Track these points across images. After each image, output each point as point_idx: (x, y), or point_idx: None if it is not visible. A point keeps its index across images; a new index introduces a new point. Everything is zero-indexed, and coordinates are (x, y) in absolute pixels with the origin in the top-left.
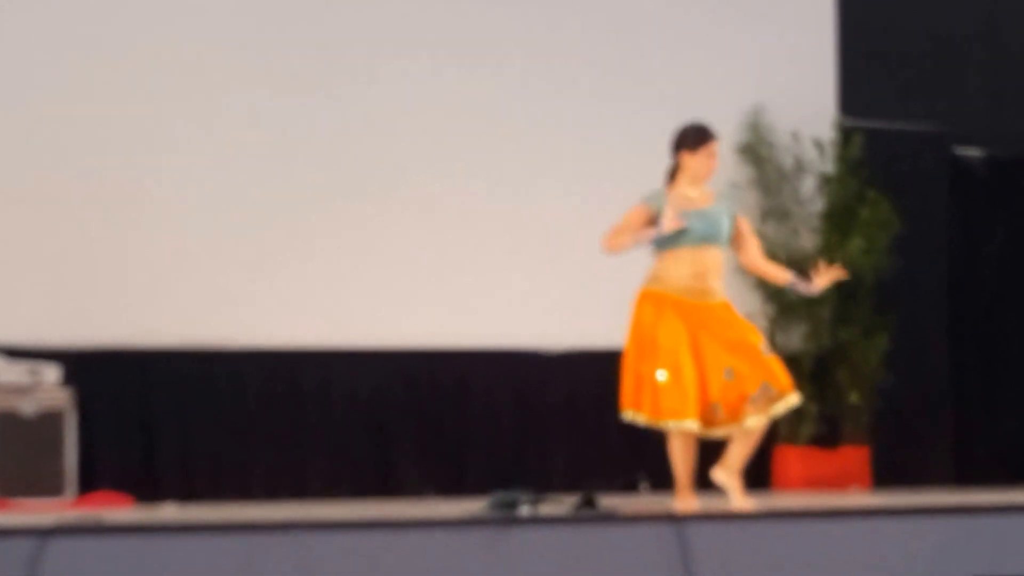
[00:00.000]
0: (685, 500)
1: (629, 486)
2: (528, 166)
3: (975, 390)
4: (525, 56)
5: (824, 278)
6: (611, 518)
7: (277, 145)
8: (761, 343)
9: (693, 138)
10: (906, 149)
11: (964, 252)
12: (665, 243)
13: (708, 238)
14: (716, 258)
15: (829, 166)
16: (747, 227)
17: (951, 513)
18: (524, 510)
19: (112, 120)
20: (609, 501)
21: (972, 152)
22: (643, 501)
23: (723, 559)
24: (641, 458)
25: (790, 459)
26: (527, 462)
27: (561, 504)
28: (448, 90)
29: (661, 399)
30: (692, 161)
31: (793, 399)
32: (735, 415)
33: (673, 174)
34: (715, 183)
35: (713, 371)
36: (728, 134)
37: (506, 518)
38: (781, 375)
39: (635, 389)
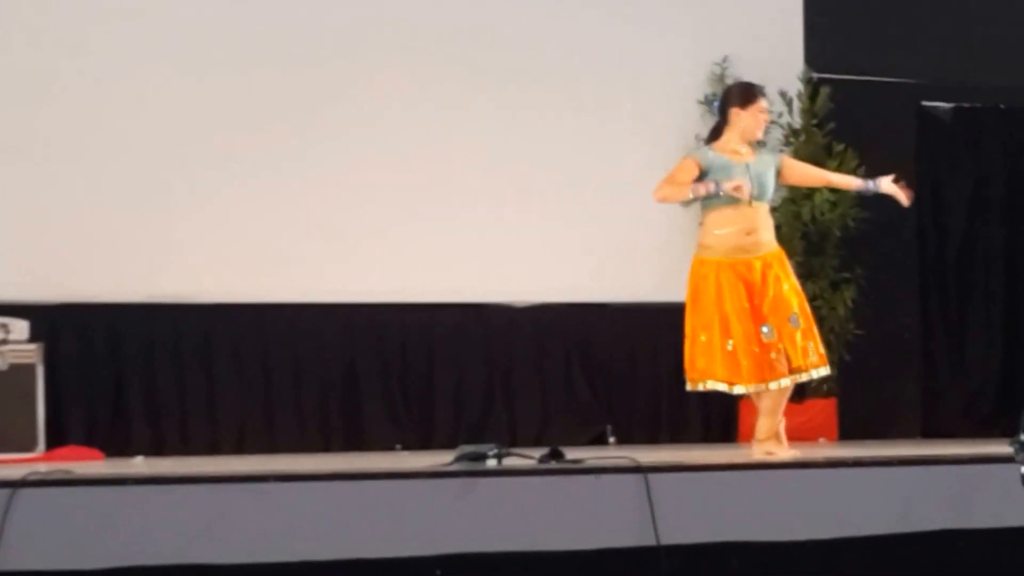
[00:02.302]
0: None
1: (597, 439)
2: (499, 119)
3: (943, 342)
4: (495, 9)
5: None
6: (577, 469)
7: (243, 97)
8: (792, 312)
9: (743, 95)
10: (873, 102)
11: (932, 205)
12: (711, 202)
13: (755, 196)
14: (764, 212)
15: (796, 119)
16: (793, 163)
17: (917, 464)
18: (491, 463)
19: (78, 77)
20: (576, 454)
21: (939, 104)
22: (610, 453)
23: (689, 510)
24: (609, 411)
25: (757, 412)
26: (495, 415)
27: (528, 457)
28: (425, 41)
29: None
30: (742, 118)
31: (784, 381)
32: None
33: (717, 131)
34: (683, 136)
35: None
36: (694, 87)
37: (473, 470)
38: (795, 352)
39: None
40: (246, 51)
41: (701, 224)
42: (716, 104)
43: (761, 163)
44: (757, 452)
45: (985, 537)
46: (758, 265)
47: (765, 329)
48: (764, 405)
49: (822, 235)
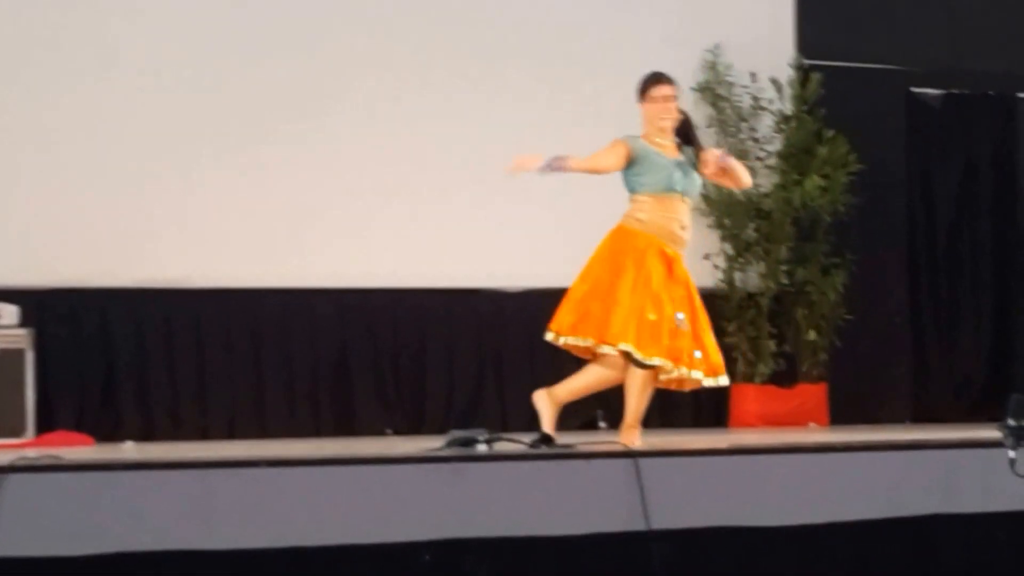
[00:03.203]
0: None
1: (587, 424)
2: (488, 105)
3: (932, 327)
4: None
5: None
6: (567, 454)
7: (234, 85)
8: (677, 315)
9: (643, 85)
10: (864, 88)
11: (922, 190)
12: (653, 187)
13: (686, 191)
14: (689, 211)
15: (787, 106)
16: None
17: (906, 449)
18: (481, 448)
19: (70, 65)
20: (567, 438)
21: (929, 91)
22: (600, 438)
23: (679, 495)
24: (599, 397)
25: (748, 397)
26: (485, 401)
27: (518, 442)
28: (417, 29)
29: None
30: (647, 109)
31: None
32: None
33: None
34: None
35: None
36: (686, 74)
37: (464, 455)
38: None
39: (604, 320)
40: (237, 41)
41: (636, 201)
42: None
43: (687, 159)
44: (633, 439)
45: (974, 521)
46: (673, 261)
47: (680, 316)
48: (646, 389)
49: (813, 221)
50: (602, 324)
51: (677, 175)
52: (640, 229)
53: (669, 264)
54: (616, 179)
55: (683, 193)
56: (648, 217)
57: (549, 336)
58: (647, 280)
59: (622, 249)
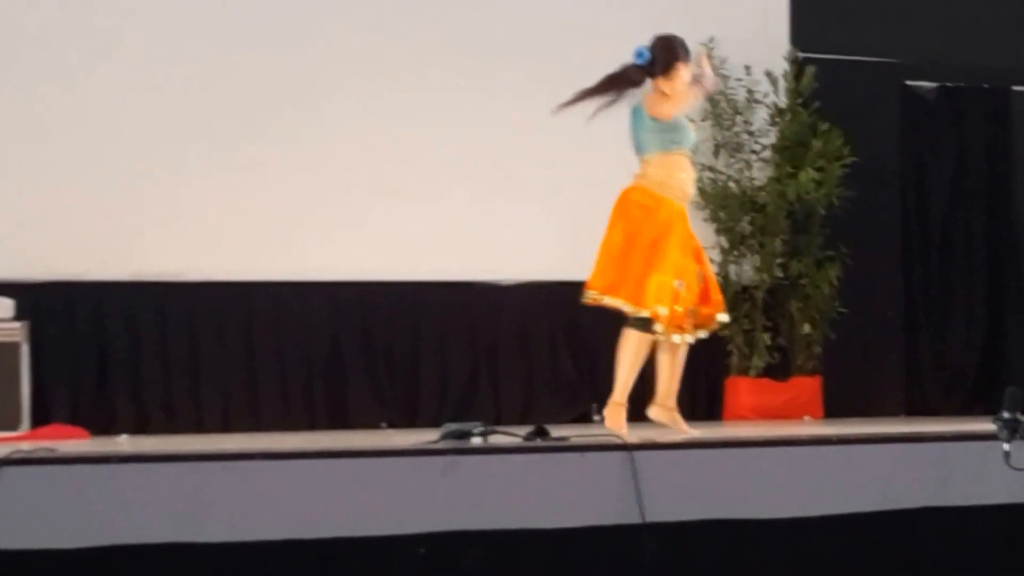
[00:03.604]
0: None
1: (582, 417)
2: (480, 99)
3: (926, 320)
4: None
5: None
6: (562, 447)
7: (228, 79)
8: (699, 269)
9: (683, 50)
10: (858, 81)
11: (916, 183)
12: (679, 144)
13: (693, 146)
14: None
15: (781, 99)
16: None
17: (900, 442)
18: (476, 441)
19: (62, 58)
20: (561, 431)
21: (923, 83)
22: (595, 431)
23: (674, 488)
24: (593, 389)
25: (742, 390)
26: (480, 393)
27: (513, 435)
28: (409, 22)
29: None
30: (684, 70)
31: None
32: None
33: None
34: None
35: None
36: None
37: (458, 448)
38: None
39: (638, 284)
40: (230, 37)
41: (649, 163)
42: (646, 55)
43: None
44: (618, 419)
45: (968, 514)
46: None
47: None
48: (639, 357)
49: (807, 214)
50: (636, 289)
51: (691, 132)
52: (663, 194)
53: (684, 224)
54: (610, 175)
55: (692, 149)
56: (664, 178)
57: (591, 295)
58: (668, 250)
59: (645, 217)
